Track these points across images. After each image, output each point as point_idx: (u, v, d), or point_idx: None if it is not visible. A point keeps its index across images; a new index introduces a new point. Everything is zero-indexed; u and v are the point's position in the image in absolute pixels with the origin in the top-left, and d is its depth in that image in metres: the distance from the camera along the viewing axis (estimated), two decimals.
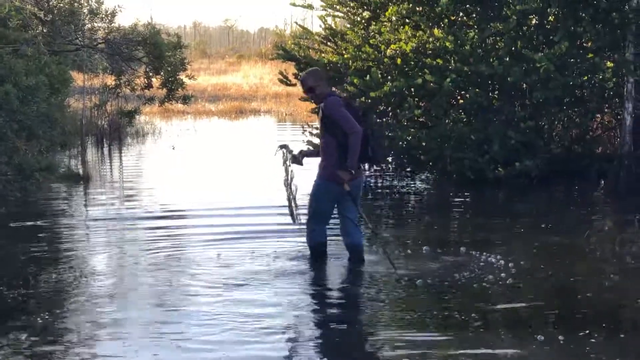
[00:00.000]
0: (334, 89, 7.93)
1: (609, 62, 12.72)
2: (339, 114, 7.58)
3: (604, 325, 6.24)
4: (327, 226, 8.13)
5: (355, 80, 12.87)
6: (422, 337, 6.01)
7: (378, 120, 7.82)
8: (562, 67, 12.40)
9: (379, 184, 13.51)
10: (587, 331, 6.05)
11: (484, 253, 8.34)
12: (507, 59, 12.58)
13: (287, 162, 8.09)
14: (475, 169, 12.67)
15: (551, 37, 12.56)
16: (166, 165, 16.30)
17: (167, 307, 6.76)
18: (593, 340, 5.88)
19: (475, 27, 13.14)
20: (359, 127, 7.53)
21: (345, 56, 13.65)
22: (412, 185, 13.34)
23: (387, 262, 7.90)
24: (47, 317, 6.42)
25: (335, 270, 7.99)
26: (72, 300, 6.93)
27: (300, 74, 11.37)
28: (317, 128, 12.96)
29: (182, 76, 17.60)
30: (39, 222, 10.45)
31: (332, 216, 8.09)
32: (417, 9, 13.27)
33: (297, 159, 8.07)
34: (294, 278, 7.67)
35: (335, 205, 7.98)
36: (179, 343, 5.87)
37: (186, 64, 17.79)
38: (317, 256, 8.10)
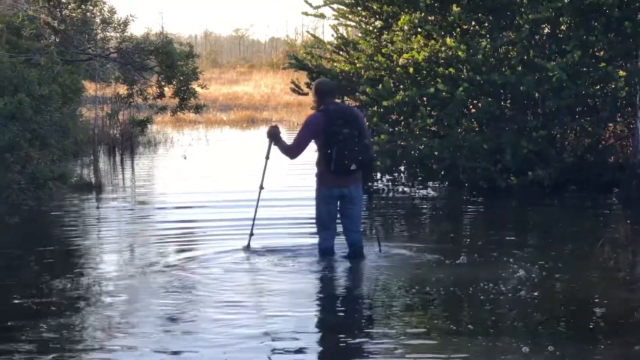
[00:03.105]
0: (338, 100, 8.31)
1: (621, 71, 12.70)
2: (300, 131, 8.24)
3: (617, 336, 6.21)
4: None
5: (367, 90, 12.87)
6: (429, 345, 6.00)
7: (345, 131, 8.00)
8: (575, 76, 12.38)
9: (392, 193, 13.48)
10: (599, 343, 6.03)
11: (497, 262, 8.32)
12: (520, 68, 12.57)
13: None
14: (488, 178, 12.65)
15: (563, 46, 12.56)
16: (178, 174, 16.30)
17: (181, 316, 6.75)
18: (605, 351, 5.84)
19: (488, 36, 13.14)
20: (295, 152, 8.25)
21: (358, 65, 13.65)
22: (425, 194, 13.31)
23: (396, 269, 8.16)
24: (59, 327, 6.41)
25: (343, 275, 8.02)
26: (85, 310, 6.93)
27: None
28: None
29: (195, 85, 17.62)
30: (51, 230, 10.47)
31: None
32: (430, 18, 13.28)
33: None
34: (302, 276, 7.89)
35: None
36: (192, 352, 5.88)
37: (198, 73, 17.80)
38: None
